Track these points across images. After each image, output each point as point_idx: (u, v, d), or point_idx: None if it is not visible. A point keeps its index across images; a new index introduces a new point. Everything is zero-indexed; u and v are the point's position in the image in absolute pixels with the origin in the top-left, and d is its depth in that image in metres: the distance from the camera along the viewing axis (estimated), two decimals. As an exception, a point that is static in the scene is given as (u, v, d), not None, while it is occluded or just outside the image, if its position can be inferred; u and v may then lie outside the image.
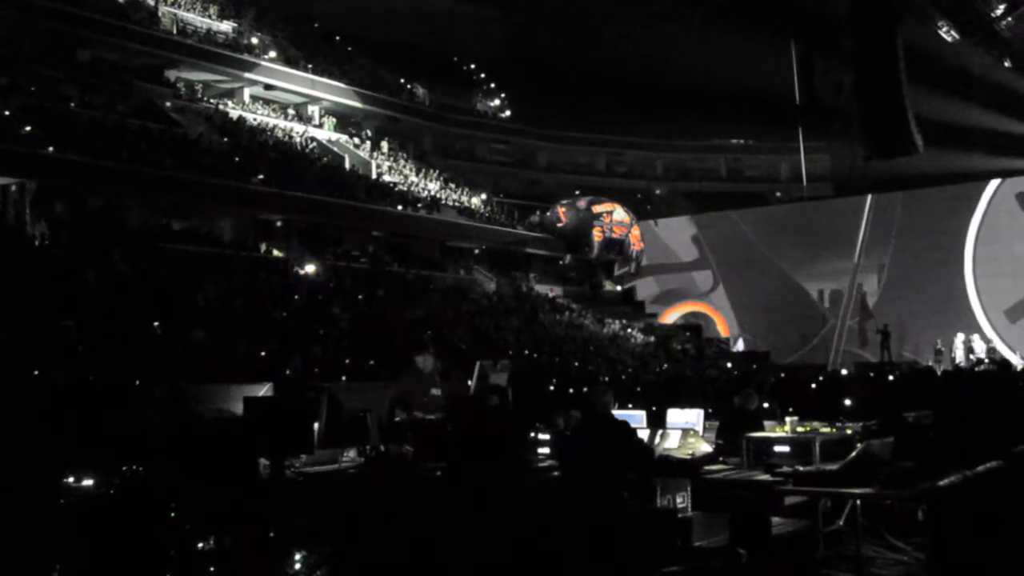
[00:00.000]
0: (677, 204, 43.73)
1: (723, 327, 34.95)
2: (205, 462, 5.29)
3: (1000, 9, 27.89)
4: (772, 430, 7.62)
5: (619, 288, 37.81)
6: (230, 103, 33.73)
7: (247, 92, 34.85)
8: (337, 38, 41.44)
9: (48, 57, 27.21)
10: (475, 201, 37.21)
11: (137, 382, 10.21)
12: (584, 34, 41.69)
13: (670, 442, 7.07)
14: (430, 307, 25.45)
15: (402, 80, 41.51)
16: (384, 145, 37.85)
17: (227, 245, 25.56)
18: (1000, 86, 30.19)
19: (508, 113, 47.46)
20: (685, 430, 7.24)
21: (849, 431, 7.52)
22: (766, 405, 9.19)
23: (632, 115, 42.44)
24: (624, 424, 6.41)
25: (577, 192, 41.90)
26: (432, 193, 35.45)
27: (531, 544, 4.83)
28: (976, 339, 27.24)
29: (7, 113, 23.13)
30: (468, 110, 45.38)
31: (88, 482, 5.04)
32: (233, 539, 4.94)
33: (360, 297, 24.62)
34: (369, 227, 31.18)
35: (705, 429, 7.83)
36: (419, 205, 33.18)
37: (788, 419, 7.58)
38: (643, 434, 7.05)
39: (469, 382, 8.52)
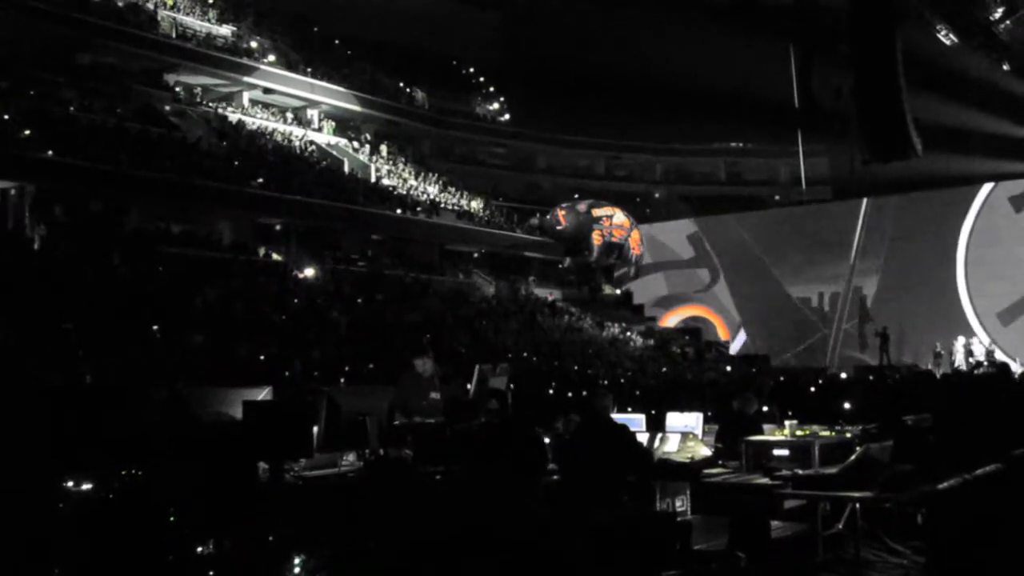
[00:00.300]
0: (676, 207, 43.75)
1: (723, 330, 34.93)
2: (204, 466, 5.30)
3: (998, 13, 27.95)
4: (771, 433, 7.64)
5: (618, 291, 37.80)
6: (229, 107, 33.76)
7: (246, 96, 34.89)
8: (336, 42, 41.47)
9: (47, 61, 27.20)
10: (474, 205, 37.23)
11: (136, 385, 10.19)
12: (583, 38, 41.75)
13: (669, 445, 7.06)
14: (429, 311, 25.44)
15: (401, 84, 41.55)
16: (383, 149, 37.87)
17: (226, 248, 25.57)
18: (999, 89, 30.22)
19: (507, 117, 47.54)
20: (684, 433, 7.23)
21: (848, 435, 7.55)
22: (765, 409, 9.20)
23: (631, 119, 42.52)
24: (623, 428, 6.39)
25: (576, 196, 41.95)
26: (431, 197, 35.46)
27: (531, 547, 4.82)
28: (976, 343, 27.23)
29: (7, 117, 23.12)
30: (467, 114, 45.43)
31: (87, 485, 5.03)
32: (232, 543, 4.93)
33: (359, 301, 24.62)
34: (368, 231, 31.21)
35: (704, 433, 7.82)
36: (418, 209, 33.19)
37: (787, 423, 7.60)
38: (642, 438, 7.03)
39: (468, 386, 8.51)
